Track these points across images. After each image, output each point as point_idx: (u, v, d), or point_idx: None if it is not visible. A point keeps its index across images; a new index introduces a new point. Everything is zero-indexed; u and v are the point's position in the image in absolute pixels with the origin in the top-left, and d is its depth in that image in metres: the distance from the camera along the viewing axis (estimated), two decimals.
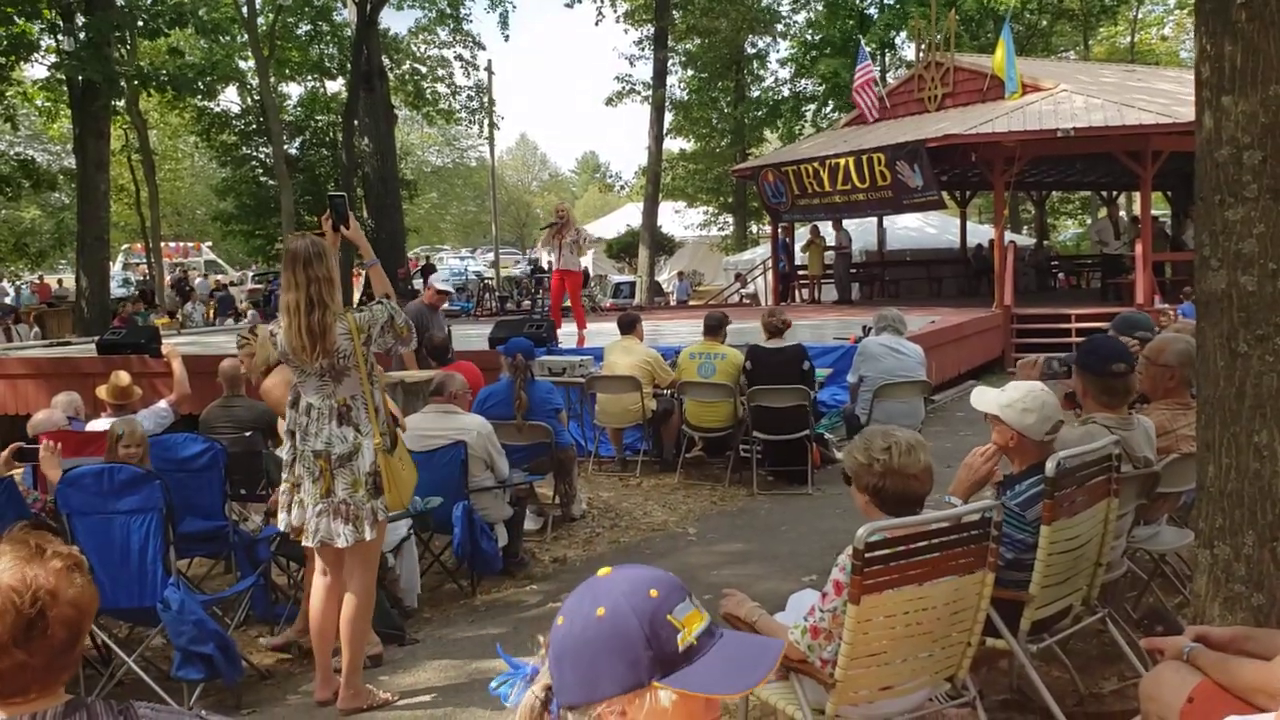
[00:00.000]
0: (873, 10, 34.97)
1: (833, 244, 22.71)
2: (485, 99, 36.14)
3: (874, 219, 24.40)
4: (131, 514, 4.83)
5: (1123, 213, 21.70)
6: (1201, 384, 3.38)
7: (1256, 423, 3.14)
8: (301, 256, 4.50)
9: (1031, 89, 18.37)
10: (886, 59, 35.55)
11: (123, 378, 8.03)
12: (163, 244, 35.18)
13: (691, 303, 30.12)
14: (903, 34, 33.65)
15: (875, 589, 3.11)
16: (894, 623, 3.22)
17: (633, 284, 33.13)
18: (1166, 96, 17.87)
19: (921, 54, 21.43)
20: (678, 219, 39.90)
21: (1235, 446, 3.20)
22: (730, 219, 39.29)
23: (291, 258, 4.53)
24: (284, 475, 4.75)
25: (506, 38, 40.61)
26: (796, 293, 23.94)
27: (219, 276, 39.89)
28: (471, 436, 6.57)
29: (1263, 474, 3.14)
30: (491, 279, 34.96)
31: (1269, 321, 3.08)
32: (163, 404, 7.79)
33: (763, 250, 31.19)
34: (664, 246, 37.41)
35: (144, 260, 37.22)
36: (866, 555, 3.07)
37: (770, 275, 24.50)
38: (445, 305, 13.05)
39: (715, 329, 9.52)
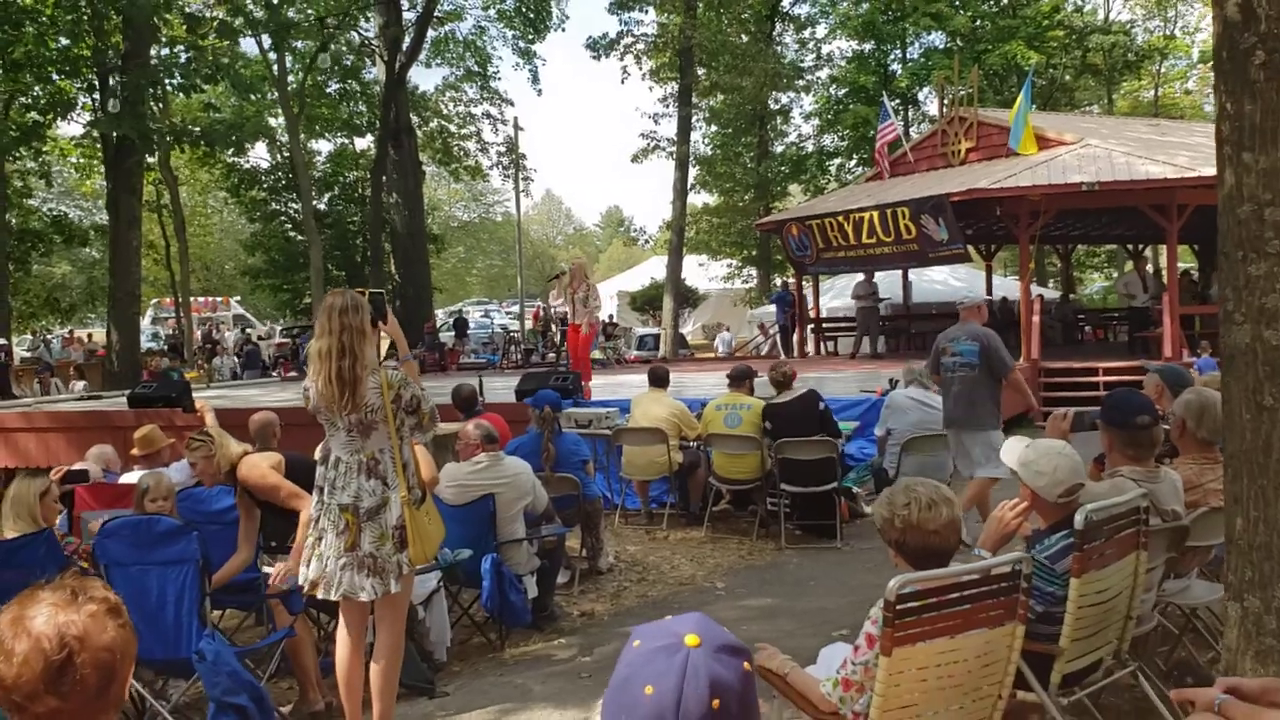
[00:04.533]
0: (896, 66, 35.27)
1: (852, 295, 22.47)
2: (514, 155, 36.57)
3: (899, 271, 24.41)
4: (168, 565, 4.89)
5: (1149, 267, 21.63)
6: (1228, 438, 3.39)
7: None
8: (338, 306, 4.56)
9: (1056, 143, 18.41)
10: (909, 114, 35.76)
11: (144, 428, 8.17)
12: (191, 299, 35.59)
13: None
14: (926, 89, 33.94)
15: (907, 641, 3.13)
16: (925, 675, 3.23)
17: (657, 336, 33.27)
18: (1193, 150, 17.85)
19: (945, 109, 21.56)
20: (701, 272, 40.15)
21: (1263, 499, 3.21)
22: (754, 271, 39.44)
23: (328, 307, 4.59)
24: (310, 531, 4.75)
25: (539, 92, 41.15)
26: (822, 344, 23.91)
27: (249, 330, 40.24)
28: (522, 478, 6.85)
29: None
30: (517, 331, 35.20)
31: None
32: None
33: None
34: (688, 299, 37.59)
35: (173, 314, 37.62)
36: (898, 607, 3.10)
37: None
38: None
39: (740, 379, 9.55)
